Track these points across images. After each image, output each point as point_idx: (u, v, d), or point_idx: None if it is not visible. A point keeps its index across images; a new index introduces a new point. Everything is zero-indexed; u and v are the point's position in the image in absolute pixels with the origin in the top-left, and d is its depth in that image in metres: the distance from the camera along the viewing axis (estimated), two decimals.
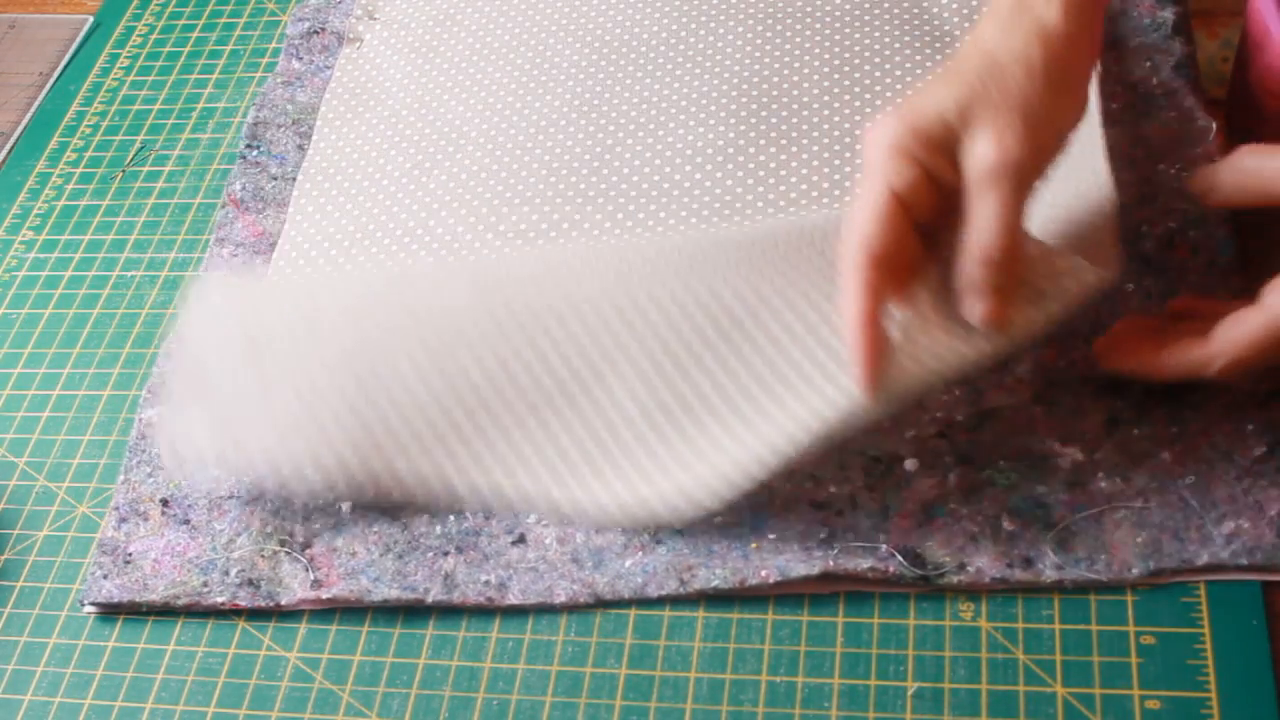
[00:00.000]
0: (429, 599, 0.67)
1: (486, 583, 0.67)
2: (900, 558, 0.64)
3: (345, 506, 0.70)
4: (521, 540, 0.68)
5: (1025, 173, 0.59)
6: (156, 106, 0.95)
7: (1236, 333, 0.59)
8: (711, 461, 0.65)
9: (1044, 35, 0.61)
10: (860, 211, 0.59)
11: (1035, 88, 0.59)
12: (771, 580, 0.65)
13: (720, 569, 0.65)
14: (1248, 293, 0.64)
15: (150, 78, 0.97)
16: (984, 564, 0.64)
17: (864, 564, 0.64)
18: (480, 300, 0.71)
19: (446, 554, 0.68)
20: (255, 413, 0.70)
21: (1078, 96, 0.62)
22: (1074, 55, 0.61)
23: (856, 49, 0.86)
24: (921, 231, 0.61)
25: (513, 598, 0.66)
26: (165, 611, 0.69)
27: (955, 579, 0.64)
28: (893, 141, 0.60)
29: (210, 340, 0.73)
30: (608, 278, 0.70)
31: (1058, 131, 0.61)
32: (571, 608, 0.66)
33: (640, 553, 0.66)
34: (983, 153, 0.59)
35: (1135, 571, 0.63)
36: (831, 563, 0.64)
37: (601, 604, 0.66)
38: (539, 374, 0.69)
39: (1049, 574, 0.63)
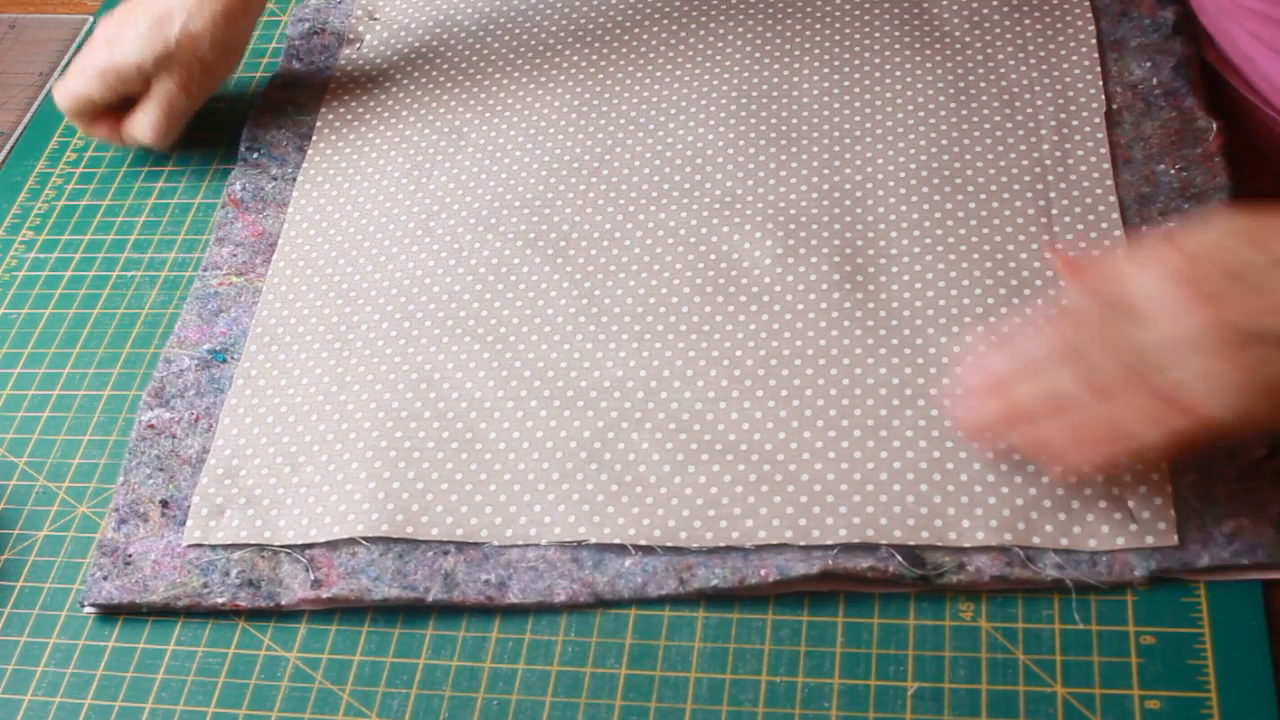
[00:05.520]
0: (429, 598, 0.67)
1: (486, 582, 0.67)
2: (900, 557, 0.64)
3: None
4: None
5: None
6: None
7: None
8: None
9: None
10: None
11: None
12: (771, 579, 0.65)
13: (720, 568, 0.65)
14: None
15: None
16: (983, 563, 0.64)
17: (863, 563, 0.64)
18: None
19: (446, 553, 0.68)
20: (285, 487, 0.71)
21: None
22: None
23: (856, 49, 0.86)
24: None
25: (512, 597, 0.66)
26: (165, 612, 0.69)
27: (955, 578, 0.64)
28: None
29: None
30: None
31: None
32: (571, 607, 0.66)
33: (640, 552, 0.66)
34: None
35: (1137, 573, 0.62)
36: (831, 562, 0.64)
37: (601, 603, 0.66)
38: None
39: (1049, 572, 0.63)
